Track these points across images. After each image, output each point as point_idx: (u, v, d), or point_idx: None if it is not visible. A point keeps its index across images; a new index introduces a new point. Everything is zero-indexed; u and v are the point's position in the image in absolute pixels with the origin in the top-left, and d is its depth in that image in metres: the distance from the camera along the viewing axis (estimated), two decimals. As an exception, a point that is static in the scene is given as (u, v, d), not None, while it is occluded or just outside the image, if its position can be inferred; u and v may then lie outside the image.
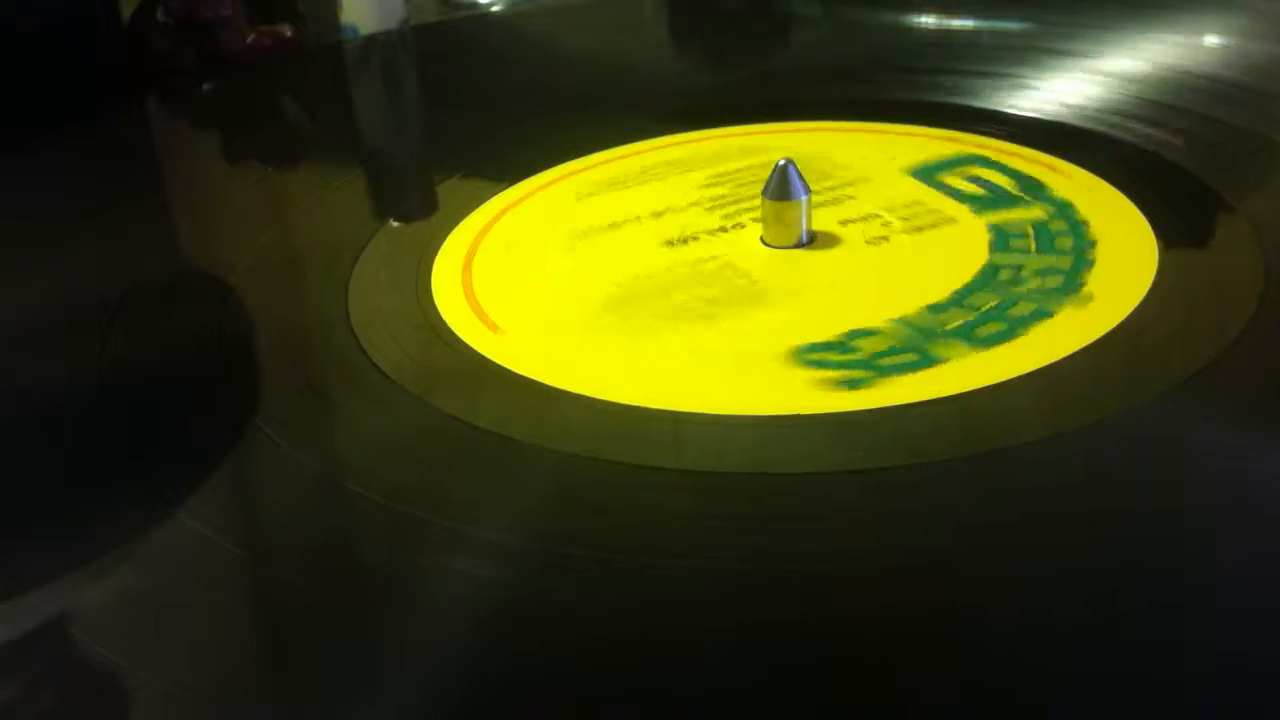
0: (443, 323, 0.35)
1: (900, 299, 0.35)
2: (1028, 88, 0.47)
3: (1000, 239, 0.37)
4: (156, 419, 0.32)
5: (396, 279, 0.38)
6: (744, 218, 0.40)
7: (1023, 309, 0.34)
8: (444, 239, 0.40)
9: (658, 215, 0.41)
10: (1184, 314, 0.33)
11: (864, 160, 0.43)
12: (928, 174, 0.42)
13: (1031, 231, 0.38)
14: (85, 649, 0.24)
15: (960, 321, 0.33)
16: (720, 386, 0.32)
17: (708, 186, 0.42)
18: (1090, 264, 0.36)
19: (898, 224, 0.39)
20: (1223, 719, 0.21)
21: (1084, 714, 0.21)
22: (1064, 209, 0.39)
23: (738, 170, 0.43)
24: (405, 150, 0.52)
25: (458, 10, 0.66)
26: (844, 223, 0.39)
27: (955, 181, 0.41)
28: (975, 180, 0.41)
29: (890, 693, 0.22)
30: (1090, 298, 0.34)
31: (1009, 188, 0.41)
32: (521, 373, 0.33)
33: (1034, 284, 0.35)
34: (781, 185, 0.37)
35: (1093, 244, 0.37)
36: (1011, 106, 0.46)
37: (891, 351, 0.32)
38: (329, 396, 0.33)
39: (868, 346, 0.33)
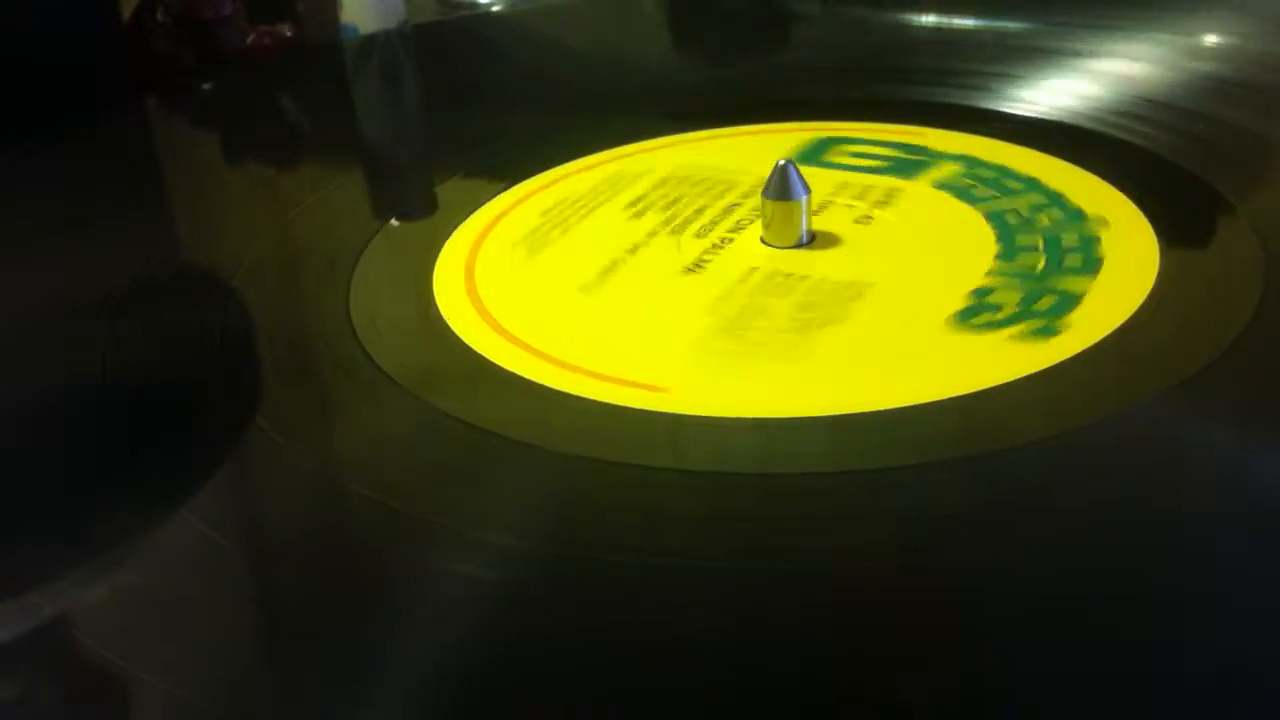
0: (444, 323, 0.35)
1: (965, 258, 0.34)
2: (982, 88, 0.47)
3: (961, 192, 0.37)
4: (156, 419, 0.32)
5: (397, 279, 0.38)
6: (719, 231, 0.38)
7: (1069, 240, 0.34)
8: (445, 239, 0.40)
9: (634, 251, 0.38)
10: (1184, 314, 0.33)
11: (744, 162, 0.42)
12: (814, 158, 0.41)
13: (975, 181, 0.37)
14: (85, 649, 0.24)
15: (1040, 261, 0.33)
16: (925, 371, 0.30)
17: (637, 217, 0.40)
18: (1064, 194, 0.36)
19: (861, 204, 0.38)
20: (1223, 719, 0.21)
21: (1085, 714, 0.21)
22: (969, 161, 0.39)
23: (649, 192, 0.41)
24: (405, 150, 0.52)
25: (458, 10, 0.66)
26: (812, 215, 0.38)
27: (845, 159, 0.40)
28: (860, 155, 0.41)
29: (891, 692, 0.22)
30: (1103, 221, 0.34)
31: (898, 154, 0.40)
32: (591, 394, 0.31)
33: (1046, 219, 0.35)
34: (782, 185, 0.37)
35: (1041, 184, 0.37)
36: (1004, 105, 0.46)
37: (1032, 297, 0.32)
38: (329, 396, 0.33)
39: (1004, 299, 0.32)
